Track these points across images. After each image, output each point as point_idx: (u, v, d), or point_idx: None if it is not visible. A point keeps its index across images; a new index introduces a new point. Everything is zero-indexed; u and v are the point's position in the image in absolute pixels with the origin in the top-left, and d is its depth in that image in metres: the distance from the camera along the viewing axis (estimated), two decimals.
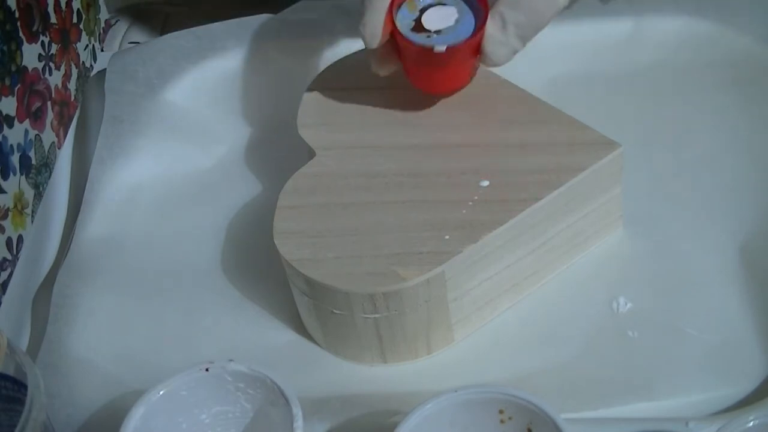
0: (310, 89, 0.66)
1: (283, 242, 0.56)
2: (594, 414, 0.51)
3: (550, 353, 0.56)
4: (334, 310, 0.54)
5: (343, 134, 0.62)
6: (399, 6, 0.58)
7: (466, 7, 0.58)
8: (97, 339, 0.59)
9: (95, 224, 0.67)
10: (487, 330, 0.58)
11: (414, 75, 0.60)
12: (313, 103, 0.65)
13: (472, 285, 0.55)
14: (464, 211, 0.55)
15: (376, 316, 0.53)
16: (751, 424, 0.44)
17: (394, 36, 0.57)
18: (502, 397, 0.46)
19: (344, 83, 0.66)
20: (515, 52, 0.57)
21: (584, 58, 0.74)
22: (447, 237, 0.54)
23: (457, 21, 0.57)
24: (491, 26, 0.56)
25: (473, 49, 0.57)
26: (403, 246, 0.54)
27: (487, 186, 0.57)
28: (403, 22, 0.58)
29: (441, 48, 0.55)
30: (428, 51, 0.56)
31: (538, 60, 0.72)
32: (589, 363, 0.55)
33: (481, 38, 0.56)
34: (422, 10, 0.58)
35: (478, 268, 0.55)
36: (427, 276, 0.52)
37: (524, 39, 0.56)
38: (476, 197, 0.56)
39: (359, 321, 0.54)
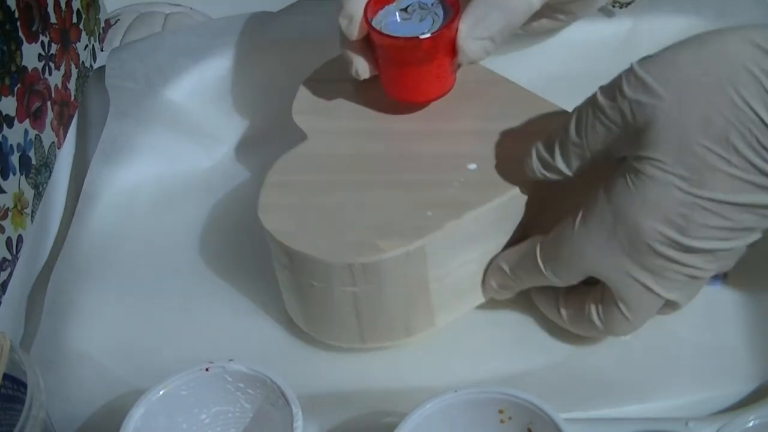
0: (307, 80, 0.66)
1: (268, 216, 0.55)
2: (594, 414, 0.51)
3: (548, 353, 0.56)
4: (313, 283, 0.54)
5: (336, 120, 0.62)
6: (373, 14, 0.58)
7: (435, 8, 0.58)
8: (96, 337, 0.59)
9: (94, 222, 0.66)
10: (486, 329, 0.58)
11: (395, 81, 0.60)
12: (309, 92, 0.65)
13: (453, 266, 0.55)
14: (450, 191, 0.55)
15: (355, 289, 0.53)
16: (751, 424, 0.44)
17: (372, 39, 0.58)
18: (502, 397, 0.46)
19: (341, 75, 0.66)
20: (488, 48, 0.57)
21: (584, 58, 0.74)
22: (430, 213, 0.54)
23: (421, 20, 0.58)
24: (465, 22, 0.56)
25: (451, 43, 0.57)
26: (385, 220, 0.54)
27: (475, 169, 0.57)
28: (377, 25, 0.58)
29: (426, 35, 0.55)
30: (412, 42, 0.56)
31: (538, 60, 0.72)
32: (588, 363, 0.55)
33: (456, 32, 0.57)
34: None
35: (460, 248, 0.55)
36: (406, 249, 0.52)
37: (498, 36, 0.57)
38: (463, 179, 0.56)
39: (338, 294, 0.54)
